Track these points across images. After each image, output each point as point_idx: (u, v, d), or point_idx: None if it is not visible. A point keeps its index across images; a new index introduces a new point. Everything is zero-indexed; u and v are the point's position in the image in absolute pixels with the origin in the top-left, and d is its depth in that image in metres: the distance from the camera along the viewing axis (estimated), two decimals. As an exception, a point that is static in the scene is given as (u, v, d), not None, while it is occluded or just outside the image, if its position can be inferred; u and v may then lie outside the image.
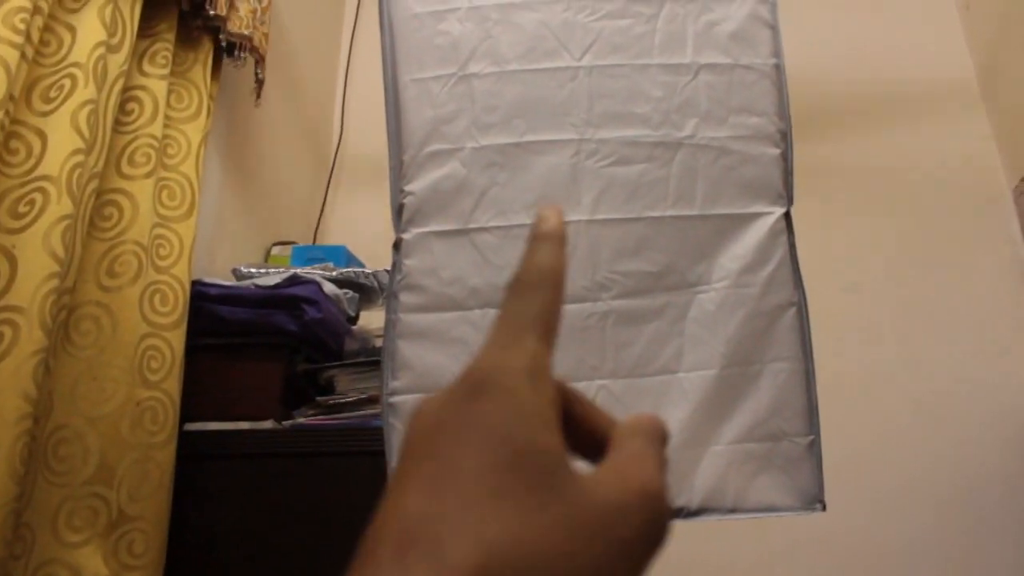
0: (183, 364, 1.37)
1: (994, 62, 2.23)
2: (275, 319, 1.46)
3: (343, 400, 1.47)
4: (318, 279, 1.55)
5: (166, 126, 1.46)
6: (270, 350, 1.48)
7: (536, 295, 0.29)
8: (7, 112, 1.10)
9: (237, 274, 1.65)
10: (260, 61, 1.74)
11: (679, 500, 1.17)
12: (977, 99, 2.30)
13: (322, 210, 2.38)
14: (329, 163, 2.46)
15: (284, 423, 1.44)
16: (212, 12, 1.53)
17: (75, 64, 1.23)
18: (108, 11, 1.29)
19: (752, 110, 1.31)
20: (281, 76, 2.11)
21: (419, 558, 0.21)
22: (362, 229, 1.89)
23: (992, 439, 1.94)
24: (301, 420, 1.44)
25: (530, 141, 1.29)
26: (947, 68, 2.34)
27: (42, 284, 1.10)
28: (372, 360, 1.49)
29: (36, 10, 1.16)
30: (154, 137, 1.40)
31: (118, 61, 1.32)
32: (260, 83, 1.78)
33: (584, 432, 0.30)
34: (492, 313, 0.29)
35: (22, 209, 1.13)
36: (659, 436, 0.29)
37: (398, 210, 1.29)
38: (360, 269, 1.74)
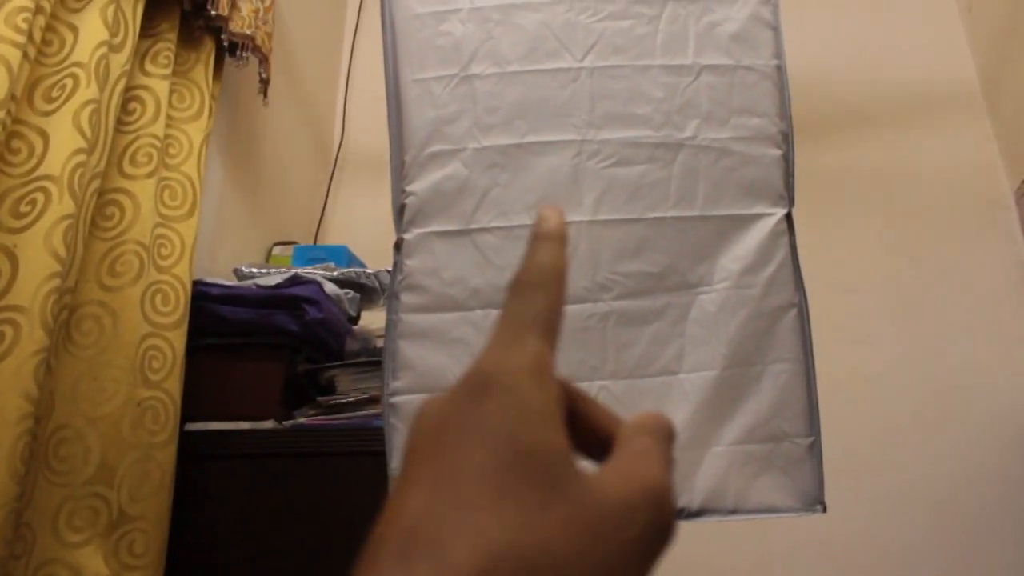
0: (184, 364, 1.37)
1: (996, 64, 2.23)
2: (276, 319, 1.46)
3: (344, 400, 1.47)
4: (319, 279, 1.55)
5: (168, 126, 1.46)
6: (271, 350, 1.48)
7: (538, 295, 0.29)
8: (9, 112, 1.10)
9: (238, 274, 1.65)
10: (264, 60, 1.74)
11: (680, 501, 1.17)
12: (979, 101, 2.30)
13: (323, 210, 2.38)
14: (331, 163, 2.46)
15: (285, 423, 1.44)
16: (214, 12, 1.53)
17: (77, 64, 1.23)
18: (110, 11, 1.29)
19: (753, 111, 1.31)
20: (283, 76, 2.11)
21: (421, 559, 0.21)
22: (363, 229, 1.89)
23: (992, 440, 1.93)
24: (302, 420, 1.44)
25: (531, 142, 1.29)
26: (949, 70, 2.34)
27: (43, 284, 1.11)
28: (373, 360, 1.49)
29: (38, 9, 1.16)
30: (156, 137, 1.40)
31: (120, 61, 1.32)
32: (265, 82, 1.78)
33: (589, 431, 0.29)
34: (493, 313, 0.29)
35: (24, 208, 1.14)
36: (665, 434, 0.29)
37: (399, 210, 1.29)
38: (361, 269, 1.74)
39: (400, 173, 1.30)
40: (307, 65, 2.36)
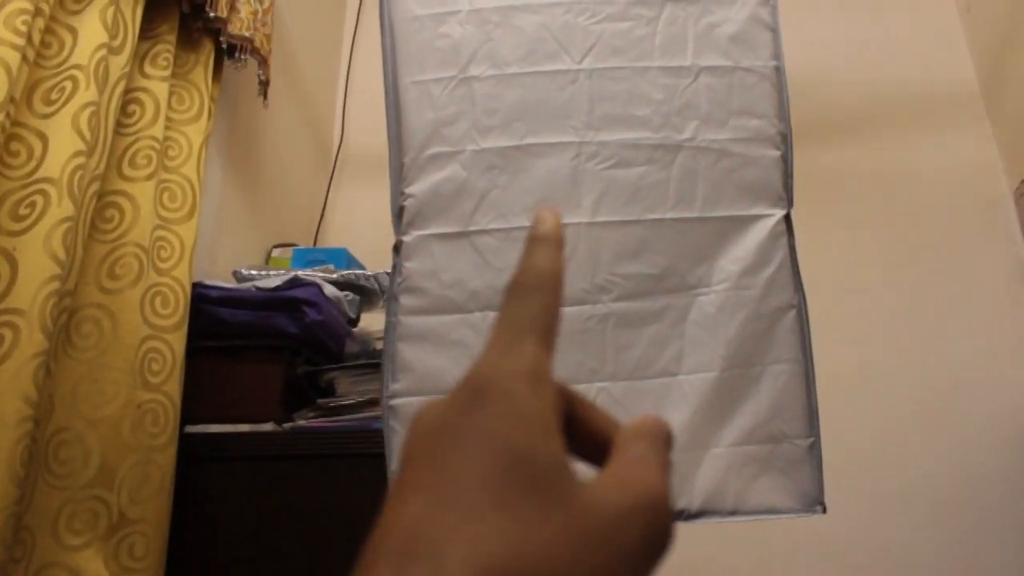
0: (184, 366, 1.37)
1: (995, 64, 2.23)
2: (276, 321, 1.46)
3: (343, 402, 1.46)
4: (319, 281, 1.55)
5: (167, 128, 1.46)
6: (270, 352, 1.48)
7: (534, 298, 0.29)
8: (8, 114, 1.10)
9: (238, 276, 1.65)
10: (263, 62, 1.74)
11: (679, 503, 1.17)
12: (978, 101, 2.30)
13: (323, 212, 2.38)
14: (330, 165, 2.46)
15: (284, 425, 1.43)
16: (213, 14, 1.53)
17: (76, 66, 1.23)
18: (109, 13, 1.29)
19: (752, 112, 1.31)
20: (283, 78, 2.11)
21: (418, 567, 0.21)
22: (363, 231, 1.89)
23: (992, 440, 1.93)
24: (301, 422, 1.44)
25: (530, 144, 1.29)
26: (948, 70, 2.34)
27: (43, 286, 1.10)
28: (372, 362, 1.49)
29: (37, 12, 1.16)
30: (155, 139, 1.40)
31: (119, 63, 1.32)
32: (264, 84, 1.78)
33: (586, 435, 0.29)
34: (492, 316, 0.29)
35: (23, 211, 1.14)
36: (663, 439, 0.29)
37: (398, 212, 1.29)
38: (361, 271, 1.74)
39: (399, 175, 1.30)
40: (307, 67, 2.36)
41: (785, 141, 1.31)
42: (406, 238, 1.27)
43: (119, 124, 1.35)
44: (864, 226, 2.20)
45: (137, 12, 1.38)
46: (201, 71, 1.57)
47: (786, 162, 1.30)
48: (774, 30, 1.35)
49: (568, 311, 1.20)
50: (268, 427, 1.42)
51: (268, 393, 1.45)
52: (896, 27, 2.40)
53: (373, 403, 1.43)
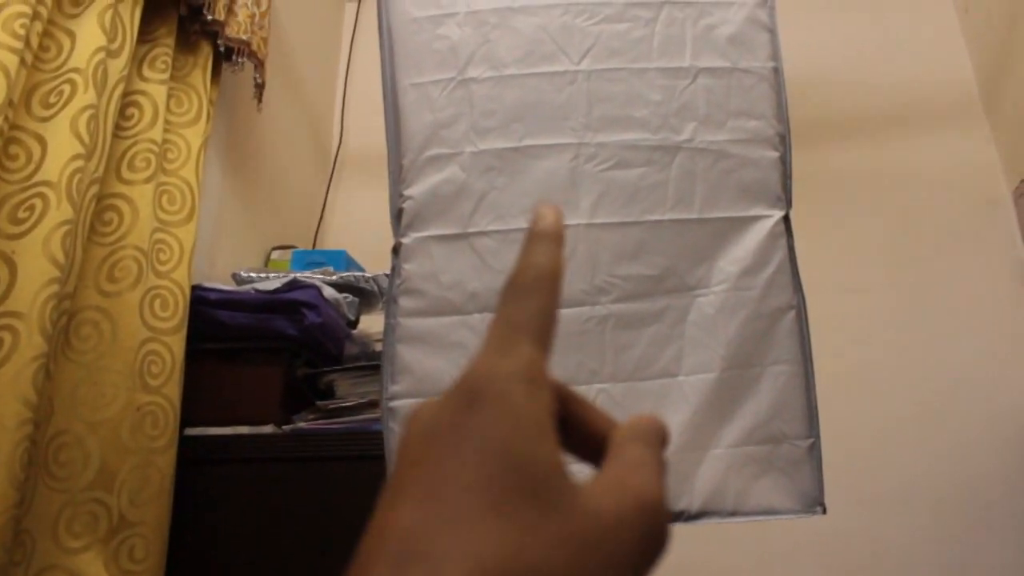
0: (183, 369, 1.37)
1: (993, 63, 2.24)
2: (275, 323, 1.46)
3: (343, 404, 1.46)
4: (318, 283, 1.55)
5: (166, 131, 1.46)
6: (270, 354, 1.48)
7: (532, 298, 0.29)
8: (7, 118, 1.10)
9: (237, 279, 1.65)
10: (259, 66, 1.75)
11: (679, 503, 1.17)
12: (976, 101, 2.30)
13: (322, 214, 2.38)
14: (329, 167, 2.46)
15: (284, 427, 1.43)
16: (210, 17, 1.53)
17: (75, 69, 1.23)
18: (108, 16, 1.29)
19: (751, 113, 1.31)
20: (281, 80, 2.11)
21: (416, 575, 0.21)
22: (362, 233, 1.89)
23: (992, 440, 1.93)
24: (301, 424, 1.44)
25: (529, 145, 1.29)
26: (946, 70, 2.34)
27: (42, 289, 1.10)
28: (372, 364, 1.49)
29: (36, 15, 1.16)
30: (154, 142, 1.40)
31: (118, 66, 1.32)
32: (260, 87, 1.78)
33: (582, 433, 0.29)
34: (491, 317, 0.29)
35: (22, 215, 1.14)
36: (659, 438, 0.28)
37: (397, 214, 1.29)
38: (360, 273, 1.74)
39: (398, 177, 1.30)
40: (305, 69, 2.36)
41: (784, 142, 1.31)
42: (405, 240, 1.27)
43: (118, 127, 1.35)
44: (863, 226, 2.20)
45: (135, 15, 1.39)
46: (199, 74, 1.57)
47: (785, 163, 1.30)
48: (772, 31, 1.35)
49: (567, 312, 1.20)
50: (268, 429, 1.42)
51: (268, 395, 1.45)
52: (894, 27, 2.40)
53: (372, 405, 1.43)
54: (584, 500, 0.24)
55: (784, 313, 1.25)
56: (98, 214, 1.30)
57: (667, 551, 0.25)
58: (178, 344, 1.37)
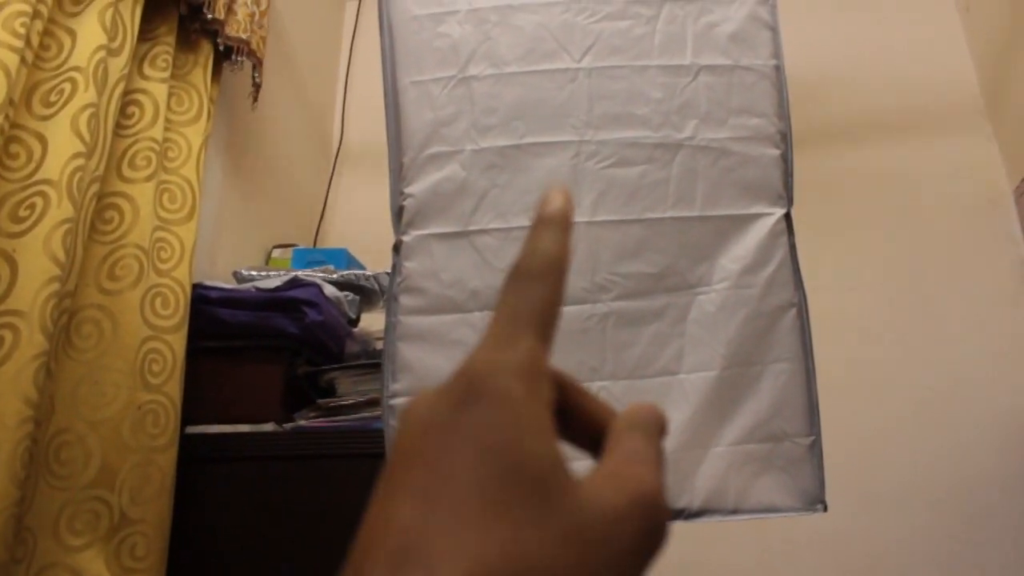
0: (184, 367, 1.37)
1: (995, 62, 2.23)
2: (276, 322, 1.46)
3: (344, 402, 1.46)
4: (319, 282, 1.55)
5: (167, 129, 1.46)
6: (271, 353, 1.48)
7: (537, 285, 0.28)
8: (7, 116, 1.10)
9: (238, 277, 1.65)
10: (258, 65, 1.75)
11: (680, 501, 1.17)
12: (978, 99, 2.29)
13: (323, 212, 2.38)
14: (330, 165, 2.46)
15: (285, 426, 1.44)
16: (210, 16, 1.53)
17: (75, 68, 1.23)
18: (108, 15, 1.29)
19: (752, 111, 1.31)
20: (282, 78, 2.11)
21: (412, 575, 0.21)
22: (363, 231, 1.89)
23: (992, 439, 1.93)
24: (302, 423, 1.44)
25: (530, 143, 1.29)
26: (948, 69, 2.34)
27: (43, 288, 1.11)
28: (373, 362, 1.49)
29: (36, 14, 1.16)
30: (155, 140, 1.40)
31: (119, 64, 1.32)
32: (257, 87, 1.78)
33: (581, 423, 0.29)
34: (494, 308, 0.29)
35: (23, 213, 1.14)
36: (657, 428, 0.28)
37: (398, 212, 1.29)
38: (361, 271, 1.74)
39: (398, 175, 1.30)
40: (306, 67, 2.36)
41: (785, 140, 1.31)
42: (406, 238, 1.27)
43: (118, 125, 1.35)
44: (864, 225, 2.19)
45: (136, 14, 1.38)
46: (200, 72, 1.57)
47: (786, 161, 1.30)
48: (773, 29, 1.35)
49: (568, 310, 1.20)
50: (269, 427, 1.42)
51: (268, 393, 1.45)
52: (896, 26, 2.40)
53: (373, 403, 1.43)
54: (583, 495, 0.24)
55: (785, 311, 1.25)
56: (99, 212, 1.30)
57: (666, 544, 0.25)
58: (179, 342, 1.37)
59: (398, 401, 1.21)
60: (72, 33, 1.26)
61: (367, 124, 2.38)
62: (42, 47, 1.22)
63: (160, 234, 1.41)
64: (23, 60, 1.13)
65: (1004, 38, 2.16)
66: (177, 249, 1.43)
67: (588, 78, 1.31)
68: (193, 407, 1.39)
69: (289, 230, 2.16)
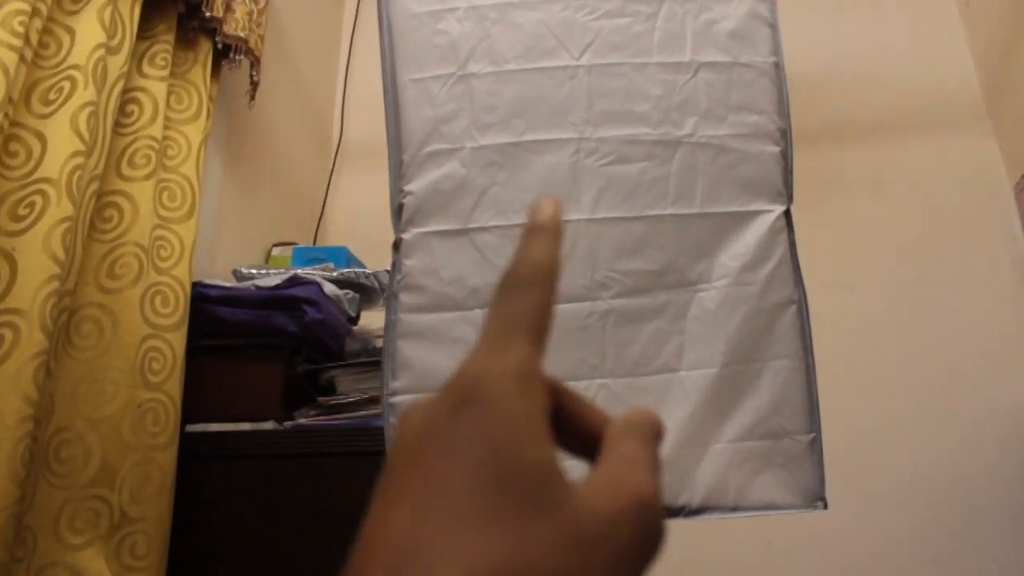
0: (184, 365, 1.37)
1: (994, 59, 2.23)
2: (276, 320, 1.46)
3: (344, 401, 1.47)
4: (319, 280, 1.55)
5: (166, 127, 1.46)
6: (271, 351, 1.48)
7: (529, 292, 0.28)
8: (6, 115, 1.10)
9: (238, 275, 1.65)
10: (256, 63, 1.74)
11: (680, 499, 1.17)
12: (977, 96, 2.29)
13: (322, 211, 2.38)
14: (329, 163, 2.46)
15: (285, 424, 1.44)
16: (208, 14, 1.53)
17: (74, 66, 1.23)
18: (107, 13, 1.29)
19: (752, 108, 1.31)
20: (281, 76, 2.11)
21: None
22: (363, 229, 1.89)
23: (992, 438, 1.93)
24: (302, 421, 1.44)
25: (529, 140, 1.29)
26: (947, 65, 2.34)
27: (42, 286, 1.10)
28: (373, 360, 1.49)
29: (35, 12, 1.16)
30: (154, 138, 1.40)
31: (118, 63, 1.32)
32: (255, 85, 1.78)
33: (576, 429, 0.29)
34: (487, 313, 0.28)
35: (22, 211, 1.13)
36: (653, 433, 0.28)
37: (398, 210, 1.29)
38: (360, 269, 1.74)
39: (398, 172, 1.30)
40: (305, 65, 2.36)
41: (785, 137, 1.31)
42: (405, 236, 1.27)
43: (118, 124, 1.35)
44: (864, 223, 2.19)
45: (135, 12, 1.38)
46: (199, 70, 1.57)
47: (786, 158, 1.30)
48: (773, 26, 1.34)
49: (568, 308, 1.20)
50: (269, 425, 1.42)
51: (268, 392, 1.45)
52: (896, 23, 2.40)
53: (373, 401, 1.43)
54: (579, 500, 0.24)
55: (785, 308, 1.25)
56: (98, 211, 1.30)
57: (663, 548, 0.25)
58: (179, 341, 1.37)
59: (398, 399, 1.21)
60: (71, 31, 1.26)
61: (367, 122, 2.38)
62: (41, 45, 1.22)
63: (160, 232, 1.41)
64: (22, 58, 1.12)
65: (1004, 36, 2.16)
66: (177, 247, 1.43)
67: (588, 75, 1.31)
68: (193, 405, 1.39)
69: (289, 228, 2.16)
